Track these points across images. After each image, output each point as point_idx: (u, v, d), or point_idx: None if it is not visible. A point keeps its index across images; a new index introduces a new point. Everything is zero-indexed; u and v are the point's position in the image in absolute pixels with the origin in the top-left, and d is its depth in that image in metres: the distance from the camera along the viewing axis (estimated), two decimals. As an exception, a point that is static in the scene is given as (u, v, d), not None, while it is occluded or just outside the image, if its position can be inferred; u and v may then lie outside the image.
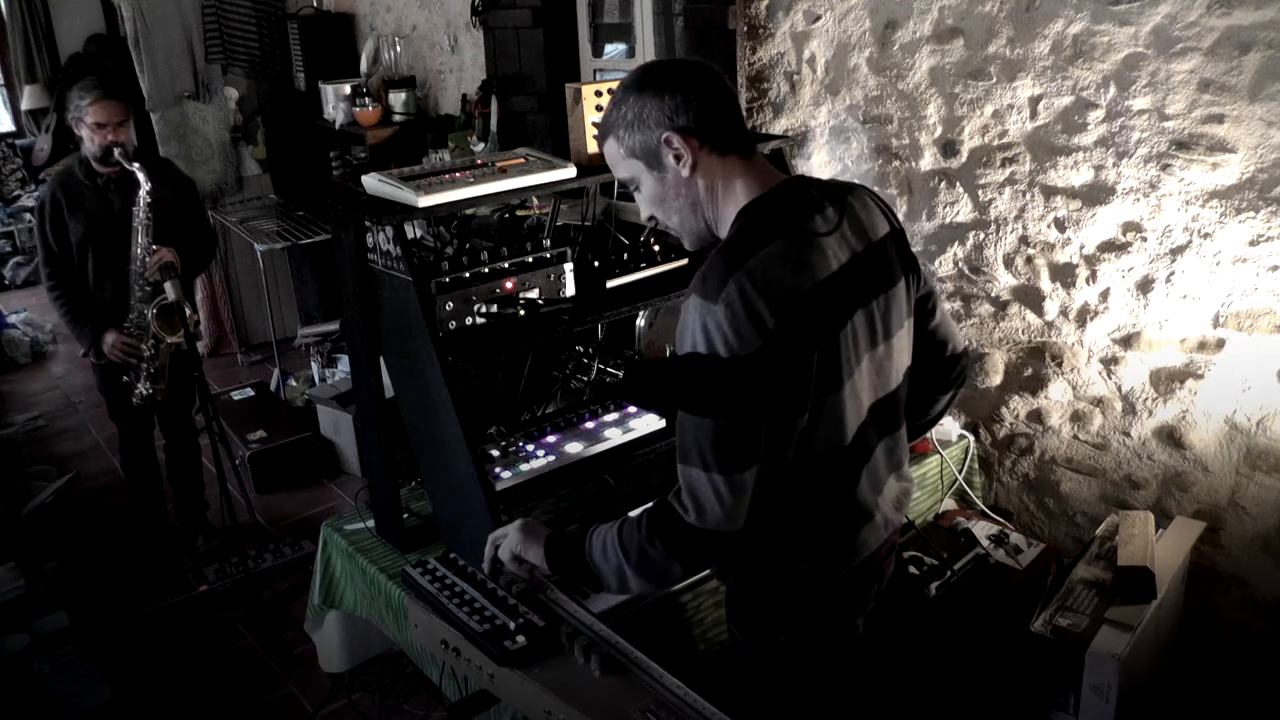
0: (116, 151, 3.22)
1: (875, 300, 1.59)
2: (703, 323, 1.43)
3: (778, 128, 3.30)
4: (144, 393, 3.44)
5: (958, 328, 1.93)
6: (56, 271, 3.41)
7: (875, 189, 3.07)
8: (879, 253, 1.61)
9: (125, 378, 3.46)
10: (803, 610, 1.69)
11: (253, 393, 4.67)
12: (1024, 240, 2.80)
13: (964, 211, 2.92)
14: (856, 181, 1.76)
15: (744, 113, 3.28)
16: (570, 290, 2.37)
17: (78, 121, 3.27)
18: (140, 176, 3.23)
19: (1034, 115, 2.67)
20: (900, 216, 3.02)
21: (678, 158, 1.54)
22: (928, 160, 2.96)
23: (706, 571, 2.05)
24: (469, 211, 2.63)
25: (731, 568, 1.72)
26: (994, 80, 2.72)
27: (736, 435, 1.45)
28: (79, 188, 3.36)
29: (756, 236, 1.49)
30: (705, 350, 1.43)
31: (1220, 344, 2.48)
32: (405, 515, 2.43)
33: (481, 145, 4.40)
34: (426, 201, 2.10)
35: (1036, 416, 2.92)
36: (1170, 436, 2.63)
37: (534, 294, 2.29)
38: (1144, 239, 2.55)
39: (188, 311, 3.31)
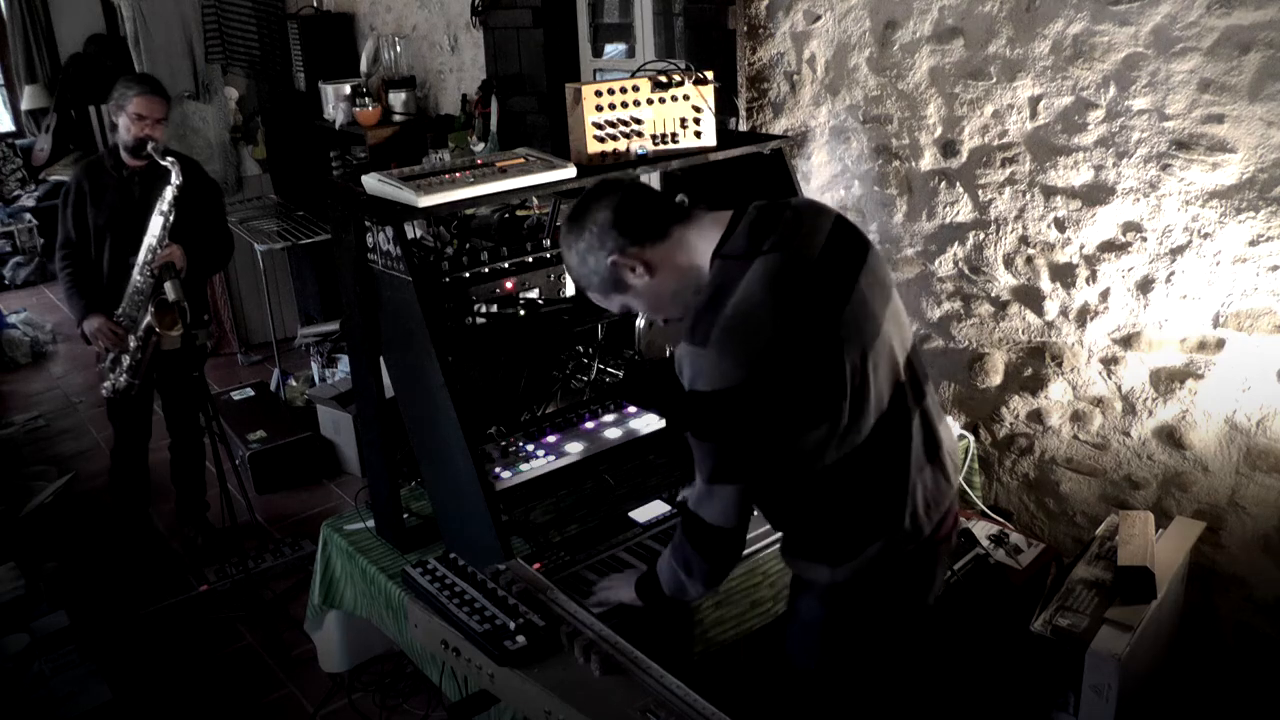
0: (150, 145, 3.27)
1: (860, 276, 1.70)
2: (694, 365, 1.60)
3: (778, 128, 3.30)
4: (116, 385, 3.45)
5: None
6: (70, 255, 3.45)
7: (874, 189, 3.09)
8: (840, 240, 1.72)
9: (102, 364, 3.48)
10: (876, 581, 1.80)
11: (253, 393, 4.66)
12: (1024, 240, 2.80)
13: (964, 211, 2.92)
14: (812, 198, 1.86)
15: (743, 110, 3.30)
16: (570, 290, 2.37)
17: (119, 108, 3.32)
18: (174, 172, 3.26)
19: (1034, 115, 2.67)
20: (900, 216, 3.04)
21: (633, 269, 1.69)
22: (928, 160, 2.96)
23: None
24: (469, 211, 2.62)
25: (807, 553, 1.82)
26: (994, 80, 2.72)
27: (724, 455, 1.65)
28: (105, 178, 3.41)
29: (731, 279, 1.62)
30: (698, 387, 1.60)
31: (1220, 344, 2.48)
32: (405, 515, 2.44)
33: (481, 145, 4.40)
34: (426, 201, 2.10)
35: (1036, 416, 2.92)
36: (1170, 436, 2.63)
37: (534, 294, 2.30)
38: (1144, 239, 2.55)
39: (204, 316, 3.34)
